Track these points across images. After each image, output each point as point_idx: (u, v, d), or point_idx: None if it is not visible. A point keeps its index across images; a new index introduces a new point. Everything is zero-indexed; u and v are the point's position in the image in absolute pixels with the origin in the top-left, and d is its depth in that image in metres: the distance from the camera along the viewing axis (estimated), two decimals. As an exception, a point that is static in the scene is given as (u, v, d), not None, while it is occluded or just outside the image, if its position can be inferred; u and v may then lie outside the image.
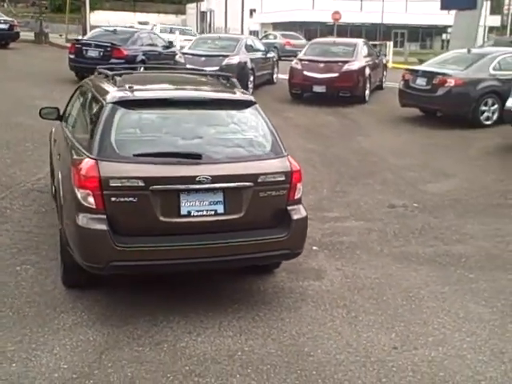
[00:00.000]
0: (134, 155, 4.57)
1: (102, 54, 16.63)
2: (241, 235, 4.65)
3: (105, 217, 4.43)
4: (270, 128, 5.04)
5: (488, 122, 12.77)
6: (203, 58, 15.68)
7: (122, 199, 4.42)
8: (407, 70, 14.31)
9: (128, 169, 4.48)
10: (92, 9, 38.68)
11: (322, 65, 15.18)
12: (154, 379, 3.93)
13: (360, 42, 16.56)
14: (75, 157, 4.84)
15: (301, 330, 4.59)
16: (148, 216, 4.47)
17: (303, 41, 41.50)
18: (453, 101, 12.55)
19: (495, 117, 12.79)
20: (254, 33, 56.76)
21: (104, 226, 4.39)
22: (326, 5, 57.72)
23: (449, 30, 66.62)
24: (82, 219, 4.47)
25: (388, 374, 3.98)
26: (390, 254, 6.30)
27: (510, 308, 5.02)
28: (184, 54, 16.30)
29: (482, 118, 12.75)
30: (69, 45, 20.38)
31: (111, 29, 18.39)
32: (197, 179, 4.51)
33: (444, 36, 63.99)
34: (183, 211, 4.55)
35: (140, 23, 46.91)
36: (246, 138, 4.95)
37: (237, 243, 4.61)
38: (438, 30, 62.98)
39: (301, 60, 15.68)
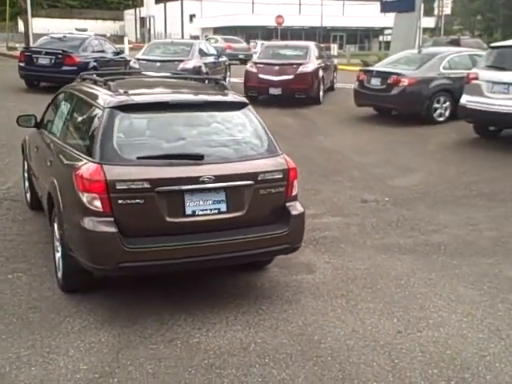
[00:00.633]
0: (138, 158, 4.65)
1: (53, 61, 16.45)
2: (244, 232, 4.78)
3: (112, 219, 4.50)
4: (264, 128, 5.22)
5: (441, 119, 13.29)
6: (158, 64, 15.72)
7: (128, 201, 4.49)
8: (361, 70, 14.72)
9: (133, 171, 4.56)
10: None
11: (276, 67, 15.44)
12: (176, 374, 4.02)
13: (312, 44, 16.93)
14: (74, 162, 4.86)
15: (306, 321, 4.76)
16: (154, 217, 4.56)
17: (244, 44, 41.92)
18: (407, 99, 13.00)
19: (447, 113, 13.33)
20: (194, 38, 56.78)
21: (113, 229, 4.46)
22: (265, 9, 58.49)
23: (385, 31, 68.52)
24: (89, 222, 4.52)
25: (399, 356, 4.19)
26: (373, 245, 6.55)
27: (496, 289, 5.32)
28: (138, 59, 16.28)
29: (435, 115, 13.25)
30: (12, 53, 20.06)
31: (60, 36, 18.18)
32: (200, 179, 4.63)
33: (381, 38, 65.70)
34: (188, 211, 4.65)
35: (78, 30, 46.26)
36: (243, 138, 5.10)
37: (240, 240, 4.75)
38: (375, 32, 64.62)
39: (256, 63, 15.91)
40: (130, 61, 18.99)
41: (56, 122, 6.07)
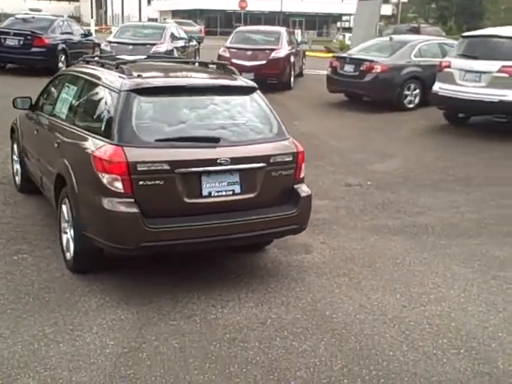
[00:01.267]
0: (157, 140, 4.80)
1: (22, 42, 16.24)
2: (256, 213, 4.99)
3: (133, 200, 4.64)
4: (273, 112, 5.43)
5: (411, 106, 13.70)
6: (130, 47, 15.68)
7: (149, 183, 4.64)
8: (334, 57, 14.99)
9: (153, 153, 4.70)
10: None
11: (249, 52, 15.59)
12: (202, 347, 4.21)
13: (283, 30, 17.12)
14: (90, 144, 4.96)
15: (315, 297, 5.00)
16: (173, 198, 4.72)
17: (196, 27, 41.92)
18: (379, 86, 13.34)
19: (417, 100, 13.75)
20: (152, 21, 56.16)
21: (135, 209, 4.60)
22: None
23: (344, 18, 69.16)
24: (110, 203, 4.65)
25: (408, 328, 4.48)
26: (364, 227, 6.84)
27: (486, 267, 5.66)
28: (110, 42, 16.19)
29: (405, 101, 13.65)
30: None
31: (27, 17, 17.91)
32: (218, 161, 4.81)
33: (339, 24, 66.31)
34: (204, 192, 4.83)
35: (31, 10, 45.28)
36: (255, 122, 5.29)
37: (254, 220, 4.95)
38: (333, 18, 65.14)
39: (228, 48, 16.02)
40: (98, 43, 18.87)
41: (59, 105, 6.12)
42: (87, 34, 18.61)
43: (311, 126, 12.21)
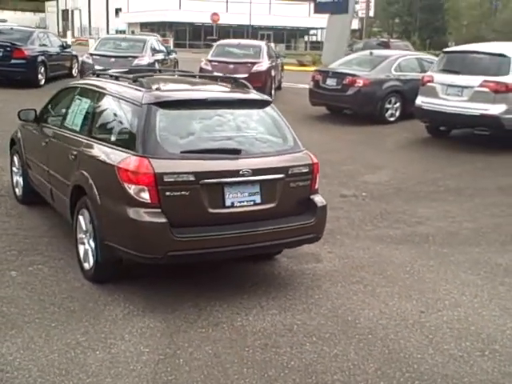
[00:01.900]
0: (183, 152, 4.92)
1: (1, 54, 16.06)
2: (277, 222, 5.13)
3: (160, 210, 4.74)
4: (287, 124, 5.60)
5: (392, 119, 14.03)
6: (112, 59, 15.72)
7: (175, 193, 4.75)
8: (316, 71, 15.26)
9: (179, 165, 4.82)
10: None
11: (231, 66, 15.77)
12: (236, 353, 4.32)
13: (263, 43, 17.36)
14: (113, 156, 5.04)
15: (334, 304, 5.16)
16: (198, 208, 4.84)
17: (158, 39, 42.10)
18: (362, 99, 13.64)
19: (397, 114, 14.09)
20: (120, 32, 56.02)
21: (163, 219, 4.70)
22: (193, 6, 58.49)
23: (311, 31, 69.97)
24: (136, 213, 4.74)
25: (431, 332, 4.66)
26: (367, 237, 7.03)
27: (492, 274, 5.90)
28: (91, 54, 16.18)
29: (386, 115, 13.97)
30: None
31: (5, 27, 17.79)
32: (240, 172, 4.95)
33: (306, 38, 67.09)
34: (227, 202, 4.96)
35: (-3, 20, 44.82)
36: (271, 134, 5.46)
37: (274, 230, 5.10)
38: (301, 32, 65.85)
39: (210, 61, 16.17)
40: (76, 55, 18.84)
41: (71, 117, 6.17)
42: (65, 46, 18.55)
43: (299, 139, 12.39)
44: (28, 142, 7.29)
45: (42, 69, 16.79)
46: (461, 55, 11.97)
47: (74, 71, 18.78)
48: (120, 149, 5.06)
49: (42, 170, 6.62)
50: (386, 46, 31.31)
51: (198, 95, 5.46)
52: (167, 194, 4.74)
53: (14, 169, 7.85)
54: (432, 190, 9.08)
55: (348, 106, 14.00)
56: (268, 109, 5.59)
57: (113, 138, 5.33)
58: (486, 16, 65.40)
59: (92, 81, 6.28)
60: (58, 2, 69.04)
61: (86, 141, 5.60)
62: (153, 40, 17.49)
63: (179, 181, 4.76)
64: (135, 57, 15.78)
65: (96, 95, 5.84)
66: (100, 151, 5.31)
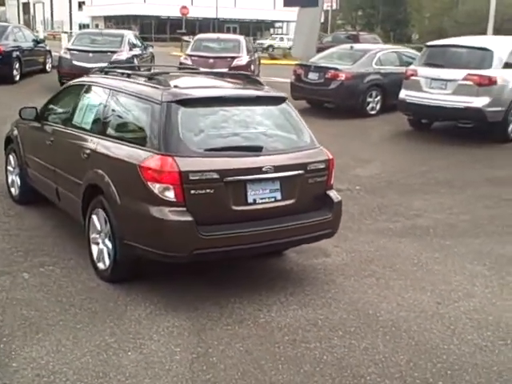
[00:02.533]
0: (205, 150, 4.94)
1: (-24, 49, 15.78)
2: (297, 218, 5.19)
3: (185, 209, 4.76)
4: (302, 121, 5.66)
5: (373, 112, 14.22)
6: (91, 54, 15.56)
7: (200, 191, 4.77)
8: (298, 65, 15.32)
9: (203, 163, 4.85)
10: None
11: (211, 60, 15.77)
12: (267, 350, 4.37)
13: (242, 38, 17.37)
14: (134, 154, 5.02)
15: (352, 298, 5.25)
16: (222, 205, 4.87)
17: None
18: (344, 93, 13.78)
19: (378, 107, 14.28)
20: (84, 26, 55.34)
21: (189, 217, 4.72)
22: (157, -1, 57.98)
23: (276, 24, 70.09)
24: (161, 212, 4.75)
25: (452, 323, 4.79)
26: (368, 230, 7.15)
27: (497, 264, 6.06)
28: (69, 49, 15.98)
29: (368, 108, 14.15)
30: None
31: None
32: (263, 169, 5.00)
33: (272, 30, 67.15)
34: (250, 199, 5.00)
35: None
36: (289, 131, 5.53)
37: (296, 226, 5.16)
38: (266, 25, 65.91)
39: (190, 55, 16.12)
40: (49, 50, 18.58)
41: (79, 116, 6.11)
42: (39, 41, 18.26)
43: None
44: (27, 140, 7.20)
45: (17, 64, 16.55)
46: (444, 49, 12.18)
47: (48, 67, 18.53)
48: (140, 147, 5.05)
49: (46, 169, 6.55)
50: (354, 39, 31.53)
51: (216, 93, 5.47)
52: (192, 192, 4.76)
53: (10, 168, 7.75)
54: (423, 182, 9.25)
55: (330, 100, 14.13)
56: (284, 105, 5.64)
57: (131, 137, 5.32)
58: (448, 8, 66.14)
59: (101, 79, 6.22)
60: (18, -5, 67.73)
61: (100, 139, 5.56)
62: (130, 35, 17.34)
63: (204, 179, 4.78)
64: (114, 52, 15.65)
65: (109, 93, 5.77)
66: (118, 150, 5.28)
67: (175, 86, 5.28)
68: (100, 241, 5.50)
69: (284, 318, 4.86)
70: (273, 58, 31.68)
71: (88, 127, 5.90)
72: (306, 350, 4.38)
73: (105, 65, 15.03)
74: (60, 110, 6.70)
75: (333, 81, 13.74)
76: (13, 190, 7.71)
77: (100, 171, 5.37)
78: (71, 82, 6.86)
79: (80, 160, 5.75)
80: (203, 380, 4.00)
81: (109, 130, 5.60)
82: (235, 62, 15.77)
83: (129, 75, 5.94)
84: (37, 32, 21.38)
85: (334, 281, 5.63)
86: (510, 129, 11.47)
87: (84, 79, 6.59)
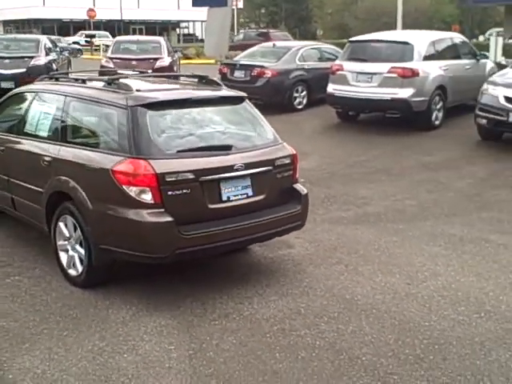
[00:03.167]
0: (178, 151, 4.97)
1: None
2: (269, 212, 5.31)
3: (163, 210, 4.77)
4: (263, 119, 5.78)
5: (300, 107, 14.55)
6: (7, 60, 15.01)
7: (177, 192, 4.81)
8: (223, 64, 15.42)
9: (177, 164, 4.88)
10: None
11: (134, 62, 15.60)
12: (260, 340, 4.47)
13: (162, 39, 17.29)
14: (103, 159, 4.97)
15: (326, 285, 5.41)
16: (199, 204, 4.93)
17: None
18: (271, 90, 14.01)
19: (304, 101, 14.61)
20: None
21: (169, 218, 4.74)
22: (58, 1, 56.51)
23: (182, 24, 69.77)
24: (139, 215, 4.75)
25: (426, 301, 5.05)
26: (324, 220, 7.36)
27: (451, 244, 6.41)
28: (-17, 56, 15.34)
29: (295, 103, 14.45)
30: None
31: None
32: (234, 167, 5.08)
33: (178, 30, 66.84)
34: (224, 197, 5.08)
35: None
36: (253, 129, 5.64)
37: (269, 220, 5.27)
38: (172, 25, 65.53)
39: (111, 58, 15.87)
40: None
41: (32, 123, 5.97)
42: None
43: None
44: None
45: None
46: (366, 44, 12.64)
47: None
48: (108, 152, 5.02)
49: (0, 179, 6.34)
50: (265, 36, 32.01)
51: (181, 95, 5.50)
52: (169, 193, 4.78)
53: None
54: (363, 171, 9.59)
55: (258, 97, 14.24)
56: (244, 104, 5.73)
57: (96, 142, 5.28)
58: (349, 4, 68.11)
59: (52, 85, 6.10)
60: None
61: (61, 146, 5.46)
62: (45, 39, 16.83)
63: (180, 179, 4.81)
64: (31, 57, 15.16)
65: (64, 100, 5.66)
66: (83, 156, 5.22)
67: (137, 90, 5.27)
68: (69, 247, 5.42)
69: (267, 310, 4.97)
70: (187, 57, 31.61)
71: (44, 134, 5.79)
72: (297, 337, 4.51)
73: (23, 70, 14.75)
74: (8, 119, 6.50)
75: (259, 78, 13.95)
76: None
77: (65, 178, 5.29)
78: (16, 90, 6.69)
79: (39, 168, 5.63)
80: (206, 374, 4.05)
81: (70, 136, 5.52)
82: (158, 63, 15.69)
83: (84, 81, 5.86)
84: None
85: (304, 270, 5.79)
86: (433, 117, 12.06)
87: (32, 87, 6.45)
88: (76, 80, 6.01)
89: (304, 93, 14.51)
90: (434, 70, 11.92)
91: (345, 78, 12.22)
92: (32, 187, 5.78)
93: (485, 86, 10.81)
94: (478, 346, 4.33)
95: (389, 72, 11.66)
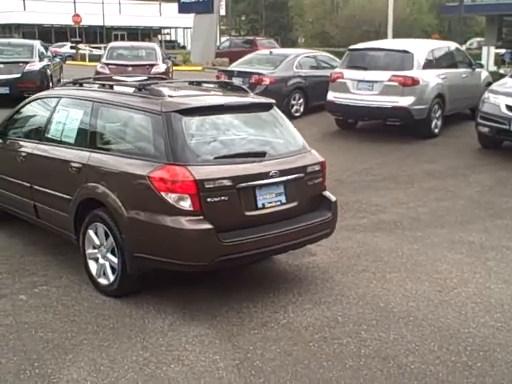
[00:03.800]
0: (214, 158, 4.96)
1: None
2: (302, 220, 5.33)
3: (202, 217, 4.75)
4: (292, 125, 5.80)
5: (297, 114, 14.57)
6: (1, 66, 14.86)
7: (215, 199, 4.79)
8: (220, 70, 15.42)
9: (216, 170, 4.87)
10: None
11: (130, 68, 15.54)
12: (305, 349, 4.47)
13: (156, 45, 17.27)
14: (139, 166, 4.94)
15: (358, 293, 5.43)
16: (236, 212, 4.92)
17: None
18: (269, 97, 13.94)
19: (302, 109, 14.67)
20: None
21: (209, 225, 4.72)
22: (38, 7, 56.12)
23: (164, 31, 69.58)
24: (179, 222, 4.72)
25: (461, 308, 5.09)
26: (341, 228, 7.29)
27: (472, 251, 6.48)
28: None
29: (292, 110, 14.47)
30: None
31: None
32: (270, 174, 5.09)
33: (160, 37, 66.68)
34: (259, 204, 5.08)
35: None
36: (284, 135, 5.65)
37: (302, 227, 5.28)
38: (154, 31, 65.39)
39: (107, 64, 15.78)
40: None
41: (57, 129, 5.91)
42: None
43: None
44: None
45: None
46: (365, 52, 12.73)
47: None
48: (144, 158, 4.99)
49: (19, 186, 6.27)
50: (252, 43, 32.08)
51: (213, 101, 5.50)
52: (208, 200, 4.76)
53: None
54: (370, 179, 9.64)
55: (256, 104, 14.31)
56: (273, 110, 5.74)
57: (128, 148, 5.23)
58: (329, 13, 68.61)
59: (77, 91, 6.05)
60: None
61: (91, 153, 5.41)
62: (39, 44, 16.68)
63: (218, 186, 4.80)
64: (26, 62, 15.03)
65: (92, 105, 5.61)
66: (116, 162, 5.17)
67: (170, 96, 5.25)
68: (99, 255, 5.37)
69: (304, 318, 4.97)
70: (174, 64, 31.54)
71: (71, 141, 5.73)
72: (340, 346, 4.52)
73: (18, 76, 14.62)
74: (29, 125, 6.44)
75: (257, 85, 13.95)
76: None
77: (97, 185, 5.24)
78: (37, 96, 6.60)
79: (67, 174, 5.58)
80: (259, 384, 4.04)
81: (100, 142, 5.48)
82: (154, 70, 15.65)
83: (111, 86, 5.83)
84: None
85: (332, 278, 5.80)
86: (433, 125, 12.18)
87: (54, 92, 6.42)
88: (103, 86, 5.96)
89: (301, 100, 14.56)
90: (433, 79, 12.05)
91: (345, 85, 12.29)
92: (58, 194, 5.72)
93: (486, 94, 10.96)
94: (522, 352, 4.39)
95: (389, 80, 11.76)
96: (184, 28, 63.87)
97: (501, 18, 32.01)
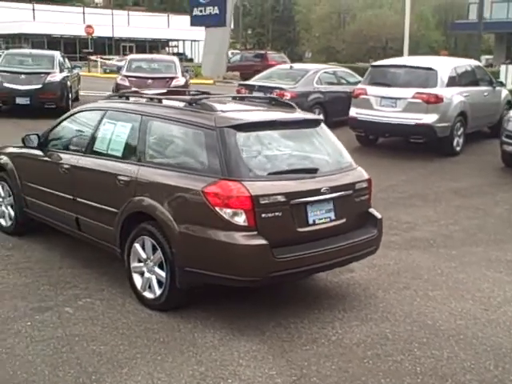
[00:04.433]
0: (268, 173, 4.99)
1: None
2: (350, 236, 5.34)
3: (256, 232, 4.77)
4: (339, 142, 5.83)
5: (317, 130, 14.60)
6: (23, 76, 14.96)
7: (270, 215, 4.82)
8: (241, 84, 15.50)
9: (269, 186, 4.90)
10: None
11: (149, 81, 15.62)
12: (359, 366, 4.46)
13: (175, 58, 17.35)
14: (192, 181, 4.97)
15: (404, 310, 5.42)
16: (289, 228, 4.94)
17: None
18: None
19: (321, 124, 14.69)
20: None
21: (263, 241, 4.74)
22: (48, 17, 56.54)
23: (171, 43, 70.01)
24: (233, 237, 4.74)
25: (509, 326, 5.09)
26: (375, 244, 7.38)
27: (511, 270, 6.49)
28: (-1, 71, 15.28)
29: (312, 126, 14.51)
30: None
31: None
32: (321, 191, 5.11)
33: (167, 49, 67.05)
34: (310, 220, 5.10)
35: None
36: (333, 151, 5.67)
37: (350, 244, 5.30)
38: (162, 43, 65.78)
39: (127, 76, 15.87)
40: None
41: (103, 142, 5.93)
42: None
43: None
44: (27, 168, 6.89)
45: None
46: (388, 69, 12.81)
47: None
48: (197, 173, 5.01)
49: (60, 198, 6.29)
50: (263, 58, 32.28)
51: (266, 117, 5.54)
52: (263, 216, 4.79)
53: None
54: (397, 196, 9.67)
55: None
56: (321, 127, 5.78)
57: (180, 163, 5.24)
58: (336, 28, 69.05)
59: (124, 104, 6.09)
60: None
61: (140, 166, 5.44)
62: (59, 55, 16.79)
63: (273, 202, 4.83)
64: (48, 73, 15.12)
65: (141, 119, 5.64)
66: (167, 176, 5.20)
67: (222, 111, 5.29)
68: (145, 269, 5.38)
69: (353, 335, 4.97)
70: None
71: (118, 154, 5.75)
72: (395, 363, 4.52)
73: (39, 86, 14.70)
74: (74, 137, 6.47)
75: (279, 100, 13.99)
76: (2, 220, 7.34)
77: (147, 199, 5.26)
78: (81, 108, 6.65)
79: (114, 188, 5.60)
80: (319, 401, 4.03)
81: (150, 156, 5.49)
82: (174, 83, 15.74)
83: (160, 100, 5.87)
84: None
85: (375, 295, 5.81)
86: (455, 142, 12.23)
87: (99, 105, 6.43)
88: (151, 99, 6.01)
89: (321, 116, 14.57)
90: (457, 97, 12.12)
91: (368, 102, 12.36)
92: (103, 207, 5.74)
93: (511, 113, 10.99)
94: None
95: (413, 97, 11.82)
96: (192, 40, 64.31)
97: (510, 36, 32.21)
